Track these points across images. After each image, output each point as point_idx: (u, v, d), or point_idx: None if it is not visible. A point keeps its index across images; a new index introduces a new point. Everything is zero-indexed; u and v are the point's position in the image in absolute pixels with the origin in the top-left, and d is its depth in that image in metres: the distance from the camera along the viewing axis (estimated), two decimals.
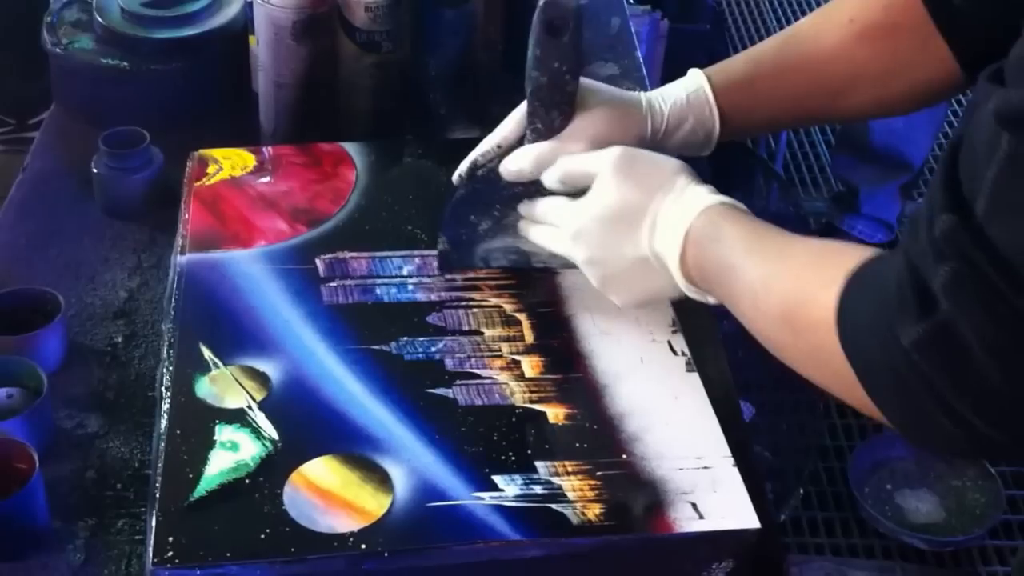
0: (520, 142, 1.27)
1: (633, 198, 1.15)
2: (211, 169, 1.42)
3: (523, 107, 1.26)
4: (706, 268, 1.10)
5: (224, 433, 1.11)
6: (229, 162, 1.44)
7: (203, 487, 1.06)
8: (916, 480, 2.48)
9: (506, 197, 1.29)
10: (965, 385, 0.82)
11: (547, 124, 1.24)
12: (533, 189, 1.26)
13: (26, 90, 3.01)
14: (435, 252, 1.32)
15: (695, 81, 1.28)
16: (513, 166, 1.25)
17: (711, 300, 1.13)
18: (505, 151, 1.27)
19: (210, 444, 1.10)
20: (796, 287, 0.99)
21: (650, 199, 1.14)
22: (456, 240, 1.31)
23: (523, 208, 1.28)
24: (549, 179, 1.23)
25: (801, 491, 2.43)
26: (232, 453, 1.09)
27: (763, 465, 2.32)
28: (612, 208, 1.16)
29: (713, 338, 1.32)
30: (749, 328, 1.06)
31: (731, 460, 1.11)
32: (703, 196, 1.12)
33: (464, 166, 1.30)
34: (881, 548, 2.34)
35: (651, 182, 1.14)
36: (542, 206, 1.25)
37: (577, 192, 1.21)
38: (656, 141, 1.26)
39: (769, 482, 2.30)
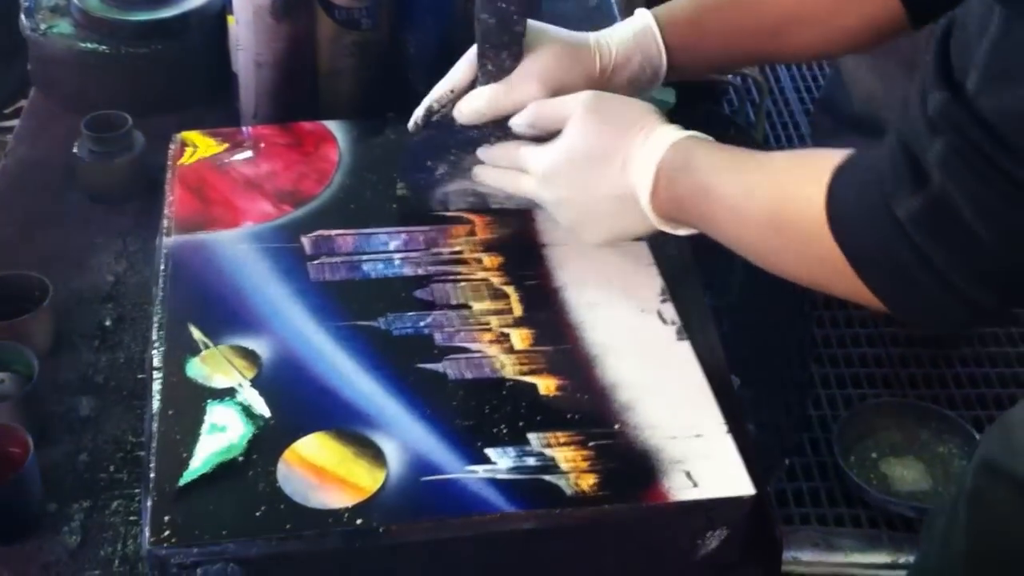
0: (472, 86, 1.29)
1: (605, 138, 1.18)
2: (188, 151, 1.42)
3: (473, 51, 1.28)
4: (679, 196, 1.13)
5: (213, 415, 1.10)
6: (210, 144, 1.44)
7: (194, 472, 1.05)
8: (901, 448, 2.48)
9: (461, 141, 1.32)
10: (960, 254, 0.86)
11: (498, 65, 1.26)
12: (487, 132, 1.30)
13: (10, 83, 2.99)
14: (421, 228, 1.32)
15: (642, 20, 1.31)
16: (467, 108, 1.28)
17: (682, 232, 1.17)
18: (458, 95, 1.30)
19: (199, 425, 1.10)
20: (780, 188, 1.02)
21: (621, 139, 1.17)
22: (415, 185, 1.34)
23: (482, 153, 1.31)
24: (518, 123, 1.26)
25: (786, 462, 2.43)
26: (221, 434, 1.09)
27: (747, 437, 2.33)
28: (584, 149, 1.19)
29: (701, 307, 1.32)
30: (732, 243, 1.10)
31: (724, 428, 1.12)
32: (672, 132, 1.15)
33: (419, 112, 1.33)
34: (867, 517, 2.34)
35: (622, 123, 1.18)
36: (504, 150, 1.28)
37: (540, 137, 1.24)
38: (605, 79, 1.29)
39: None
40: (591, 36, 1.30)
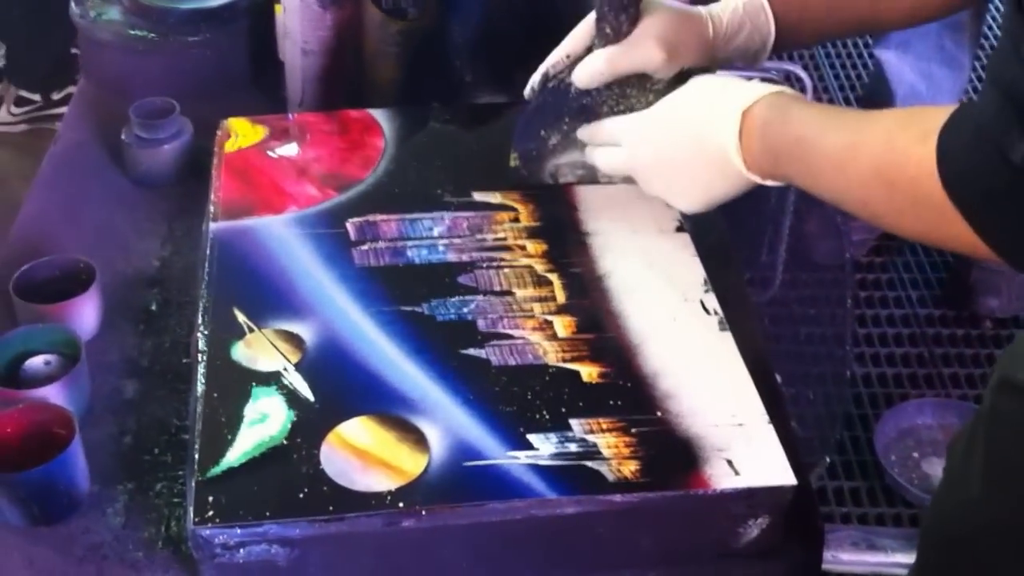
0: (587, 52, 1.30)
1: (692, 101, 1.21)
2: (232, 139, 1.44)
3: (590, 18, 1.30)
4: (776, 148, 1.13)
5: (255, 406, 1.11)
6: (254, 132, 1.45)
7: (230, 463, 1.06)
8: (943, 447, 2.47)
9: (575, 110, 1.32)
10: None
11: (616, 29, 1.27)
12: (601, 100, 1.31)
13: (49, 66, 3.01)
14: (465, 214, 1.32)
15: None
16: (584, 71, 1.29)
17: (769, 183, 1.16)
18: (574, 61, 1.31)
19: (242, 413, 1.11)
20: (888, 147, 1.02)
21: (709, 98, 1.19)
22: (526, 155, 1.36)
23: (582, 134, 1.33)
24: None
25: (827, 460, 2.42)
26: (261, 426, 1.09)
27: (790, 427, 2.31)
28: (671, 111, 1.22)
29: (744, 299, 1.32)
30: (835, 199, 1.09)
31: (766, 417, 1.11)
32: (757, 85, 1.16)
33: (536, 77, 1.34)
34: (908, 516, 2.33)
35: (711, 87, 1.20)
36: (597, 127, 1.31)
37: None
38: (717, 45, 1.31)
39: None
40: (702, 8, 1.32)
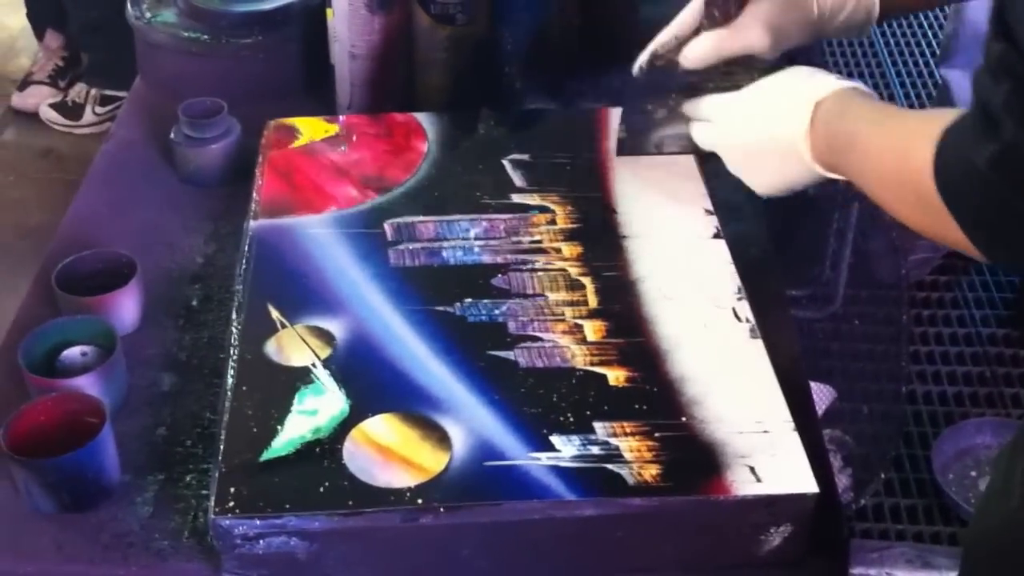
0: (695, 33, 1.34)
1: (777, 89, 1.24)
2: (298, 137, 1.45)
3: (698, 1, 1.34)
4: (835, 142, 1.16)
5: (305, 402, 1.13)
6: (306, 131, 1.47)
7: (277, 451, 1.08)
8: None
9: (681, 86, 1.37)
10: None
11: (724, 12, 1.31)
12: (706, 78, 1.34)
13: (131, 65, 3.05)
14: (502, 216, 1.33)
15: None
16: (693, 53, 1.33)
17: (832, 175, 1.18)
18: (682, 42, 1.35)
19: (287, 404, 1.12)
20: (904, 147, 1.05)
21: (792, 88, 1.22)
22: (632, 127, 1.42)
23: (686, 108, 1.37)
24: None
25: (882, 476, 2.40)
26: (311, 418, 1.11)
27: (846, 449, 2.29)
28: (756, 96, 1.26)
29: (782, 311, 1.32)
30: (870, 192, 1.12)
31: (791, 425, 1.11)
32: (831, 80, 1.19)
33: (644, 57, 1.39)
34: None
35: (796, 77, 1.23)
36: (695, 104, 1.35)
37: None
38: (824, 22, 1.34)
39: (851, 467, 2.27)
40: None
